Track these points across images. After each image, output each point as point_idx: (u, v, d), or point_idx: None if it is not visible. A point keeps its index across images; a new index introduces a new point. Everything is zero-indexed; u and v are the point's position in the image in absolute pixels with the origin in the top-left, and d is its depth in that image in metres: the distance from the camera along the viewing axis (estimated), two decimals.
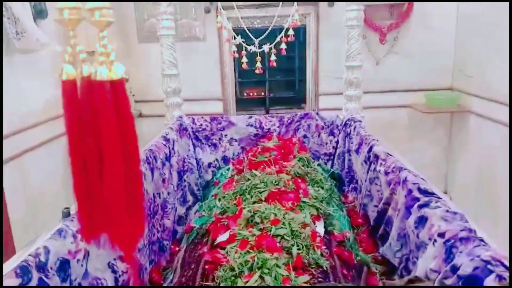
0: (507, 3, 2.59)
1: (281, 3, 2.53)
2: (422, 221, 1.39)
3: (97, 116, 0.64)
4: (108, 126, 0.64)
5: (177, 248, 2.03)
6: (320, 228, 1.74)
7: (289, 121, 2.74)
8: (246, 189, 1.93)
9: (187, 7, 3.39)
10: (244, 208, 1.72)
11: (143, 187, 0.75)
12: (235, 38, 2.60)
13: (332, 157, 2.68)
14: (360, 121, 2.50)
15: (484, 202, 3.07)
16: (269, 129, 2.74)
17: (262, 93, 5.23)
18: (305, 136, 2.72)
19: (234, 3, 2.72)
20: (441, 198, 1.43)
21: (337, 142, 2.64)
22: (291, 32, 2.45)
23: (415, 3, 3.35)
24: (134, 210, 0.70)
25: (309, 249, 1.50)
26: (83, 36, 0.69)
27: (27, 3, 2.31)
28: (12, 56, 2.36)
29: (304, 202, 1.83)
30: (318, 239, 1.57)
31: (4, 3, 2.13)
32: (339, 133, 2.62)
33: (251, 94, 5.24)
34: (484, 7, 2.95)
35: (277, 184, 1.92)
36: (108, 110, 0.63)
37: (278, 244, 1.45)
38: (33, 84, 2.59)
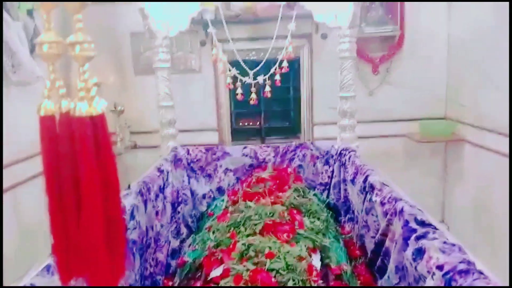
0: (499, 31, 2.64)
1: (275, 36, 2.57)
2: (420, 253, 1.36)
3: (76, 153, 0.62)
4: (87, 163, 0.62)
5: (170, 283, 1.97)
6: (316, 261, 1.70)
7: (284, 151, 2.74)
8: (240, 221, 1.90)
9: (182, 40, 3.45)
10: (238, 241, 1.68)
11: (124, 226, 0.72)
12: (230, 70, 2.63)
13: (328, 187, 2.66)
14: (355, 150, 2.49)
15: (482, 231, 3.03)
16: (264, 159, 2.73)
17: (258, 123, 5.24)
18: (300, 166, 2.71)
19: (229, 36, 2.77)
20: (438, 229, 1.41)
21: (332, 171, 2.63)
22: (285, 63, 2.49)
23: (405, 35, 3.42)
24: (114, 252, 0.67)
25: (305, 283, 1.46)
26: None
27: (24, 38, 2.34)
28: (8, 88, 2.37)
29: (300, 234, 1.80)
30: (314, 273, 1.53)
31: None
32: (334, 162, 2.61)
33: (246, 124, 5.25)
34: (475, 34, 3.00)
35: (272, 216, 1.88)
36: (86, 147, 0.61)
37: (273, 279, 1.41)
38: (28, 117, 2.59)
